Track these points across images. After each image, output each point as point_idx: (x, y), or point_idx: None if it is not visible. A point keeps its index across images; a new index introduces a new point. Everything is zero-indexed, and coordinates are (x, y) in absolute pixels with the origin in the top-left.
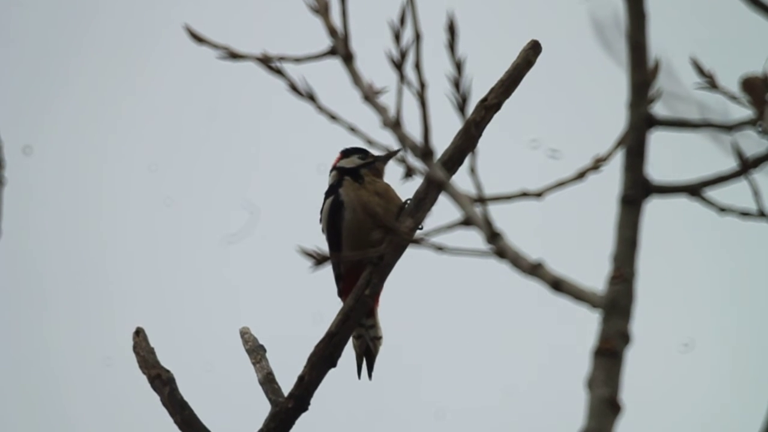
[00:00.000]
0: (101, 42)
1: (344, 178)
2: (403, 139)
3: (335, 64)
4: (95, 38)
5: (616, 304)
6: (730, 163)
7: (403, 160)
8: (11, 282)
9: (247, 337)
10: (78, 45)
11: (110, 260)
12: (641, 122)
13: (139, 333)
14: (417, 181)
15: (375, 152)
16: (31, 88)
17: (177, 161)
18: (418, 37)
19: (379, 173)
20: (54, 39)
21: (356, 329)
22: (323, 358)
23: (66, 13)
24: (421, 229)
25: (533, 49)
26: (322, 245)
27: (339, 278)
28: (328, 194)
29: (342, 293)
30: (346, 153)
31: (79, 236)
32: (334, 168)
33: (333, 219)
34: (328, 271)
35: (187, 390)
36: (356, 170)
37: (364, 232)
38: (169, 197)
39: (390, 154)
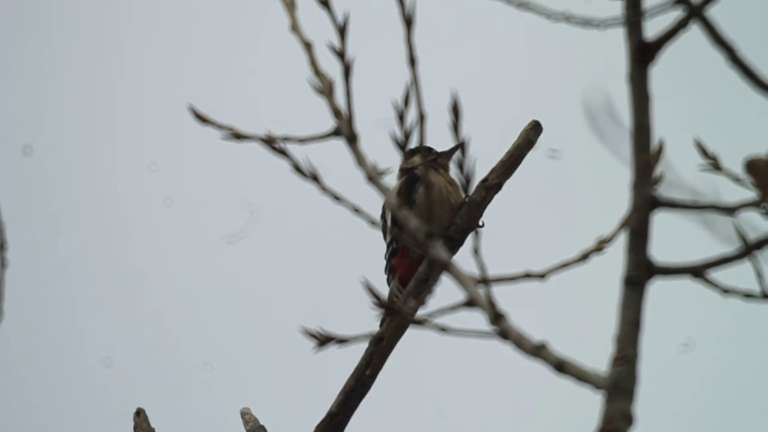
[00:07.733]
0: (101, 42)
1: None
2: (406, 219)
3: (340, 144)
4: (95, 38)
5: (619, 386)
6: (727, 247)
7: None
8: (10, 282)
9: (247, 417)
10: (78, 45)
11: (109, 260)
12: (645, 204)
13: (140, 414)
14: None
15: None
16: (31, 88)
17: (177, 161)
18: (422, 117)
19: (446, 167)
20: (54, 39)
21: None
22: None
23: (66, 14)
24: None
25: (534, 129)
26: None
27: (393, 253)
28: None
29: (391, 271)
30: (409, 154)
31: (79, 236)
32: (399, 170)
33: (407, 192)
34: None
35: None
36: (433, 161)
37: (438, 207)
38: (169, 197)
39: (453, 149)
